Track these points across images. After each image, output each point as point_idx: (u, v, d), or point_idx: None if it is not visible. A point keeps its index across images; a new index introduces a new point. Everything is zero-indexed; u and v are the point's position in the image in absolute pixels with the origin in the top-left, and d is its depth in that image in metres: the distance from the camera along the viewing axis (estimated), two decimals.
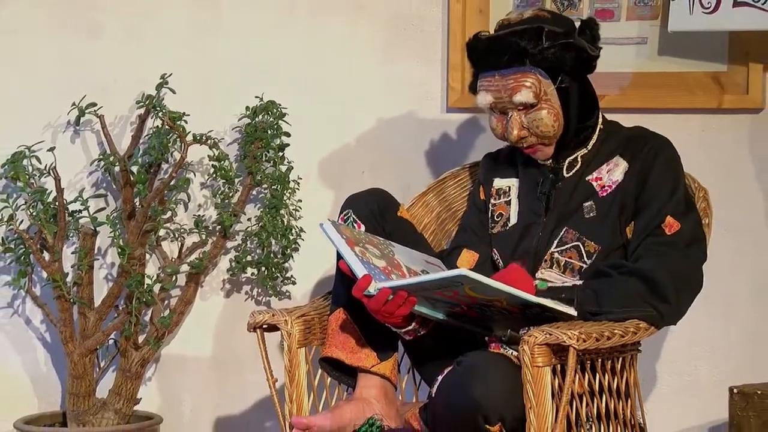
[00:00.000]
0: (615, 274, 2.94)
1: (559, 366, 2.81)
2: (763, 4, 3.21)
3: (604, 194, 3.05)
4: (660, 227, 2.98)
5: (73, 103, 3.75)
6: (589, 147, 3.08)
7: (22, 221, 3.73)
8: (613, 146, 3.08)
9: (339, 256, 2.99)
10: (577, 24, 3.05)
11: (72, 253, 3.74)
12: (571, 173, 3.08)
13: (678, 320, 2.98)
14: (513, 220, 3.12)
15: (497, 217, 3.15)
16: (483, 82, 3.04)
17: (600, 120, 3.10)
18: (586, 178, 3.07)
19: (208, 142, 3.69)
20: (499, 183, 3.18)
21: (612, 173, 3.06)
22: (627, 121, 3.18)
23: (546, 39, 2.97)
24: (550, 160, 3.08)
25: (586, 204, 3.06)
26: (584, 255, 3.02)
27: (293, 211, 3.72)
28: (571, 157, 3.08)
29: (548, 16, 3.03)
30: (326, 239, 2.93)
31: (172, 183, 3.69)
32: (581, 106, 3.05)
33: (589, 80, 3.07)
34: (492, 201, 3.17)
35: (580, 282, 2.98)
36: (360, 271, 2.86)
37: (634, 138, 3.09)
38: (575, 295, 2.93)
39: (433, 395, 2.95)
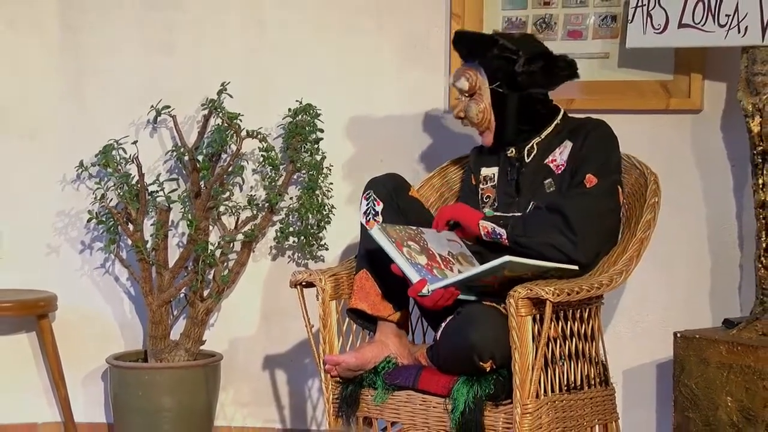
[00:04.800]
0: (543, 208, 2.97)
1: (538, 315, 2.81)
2: (702, 26, 3.19)
3: (559, 171, 3.06)
4: (582, 182, 2.98)
5: (152, 106, 3.74)
6: (543, 136, 3.08)
7: (111, 200, 3.73)
8: (564, 134, 3.09)
9: (363, 232, 2.98)
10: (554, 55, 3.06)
11: (151, 224, 3.74)
12: (530, 158, 3.08)
13: (586, 254, 2.92)
14: (498, 201, 3.12)
15: (485, 199, 3.15)
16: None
17: (559, 117, 3.09)
18: (544, 161, 3.07)
19: (259, 136, 3.68)
20: (485, 171, 3.18)
21: (563, 154, 3.07)
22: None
23: (497, 50, 2.99)
24: (512, 151, 3.08)
25: (546, 181, 3.06)
26: None
27: (326, 192, 3.71)
28: (528, 146, 3.08)
29: (519, 37, 3.05)
30: (378, 241, 2.90)
31: (230, 169, 3.69)
32: (521, 112, 3.04)
33: (546, 95, 3.06)
34: (481, 186, 3.17)
35: (518, 214, 2.98)
36: (414, 276, 2.84)
37: (579, 125, 3.10)
38: (509, 221, 2.96)
39: (438, 338, 2.95)
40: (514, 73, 3.00)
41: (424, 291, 2.82)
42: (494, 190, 3.14)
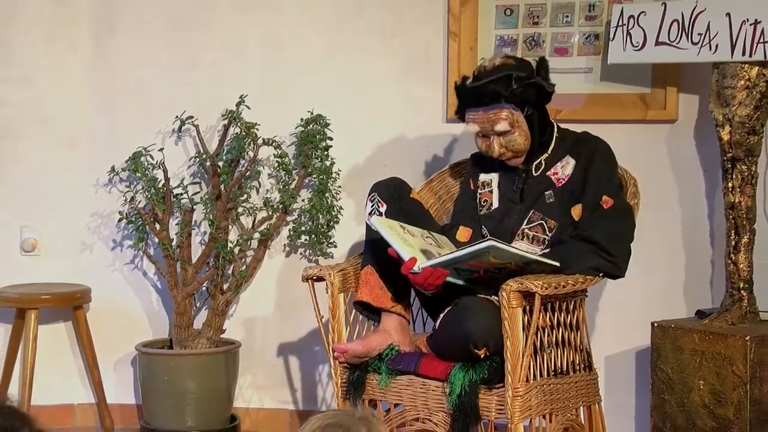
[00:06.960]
0: (571, 240, 2.95)
1: (528, 307, 2.81)
2: (677, 44, 3.19)
3: (560, 185, 3.05)
4: (600, 204, 2.97)
5: (177, 117, 3.75)
6: (549, 152, 3.07)
7: (140, 201, 3.74)
8: (565, 148, 3.07)
9: (368, 231, 2.97)
10: (534, 64, 3.03)
11: (176, 224, 3.74)
12: (538, 173, 3.07)
13: (623, 268, 2.96)
14: (495, 205, 3.12)
15: (483, 203, 3.14)
16: (470, 115, 3.02)
17: (555, 130, 3.08)
18: (546, 173, 3.06)
19: (274, 144, 3.69)
20: (483, 177, 3.17)
21: (564, 169, 3.06)
22: (579, 129, 3.16)
23: (515, 83, 2.95)
24: (523, 164, 3.07)
25: (547, 192, 3.05)
26: (546, 230, 3.01)
27: (335, 194, 3.71)
28: (537, 161, 3.07)
29: (513, 62, 3.01)
30: (376, 229, 2.90)
31: (248, 174, 3.69)
32: (541, 125, 3.03)
33: (545, 106, 3.05)
34: (479, 190, 3.16)
35: (548, 250, 2.96)
36: (406, 255, 2.84)
37: (579, 141, 3.08)
38: (551, 257, 2.90)
39: (437, 328, 2.96)
40: (536, 92, 2.98)
41: (415, 268, 2.82)
42: (491, 194, 3.13)
